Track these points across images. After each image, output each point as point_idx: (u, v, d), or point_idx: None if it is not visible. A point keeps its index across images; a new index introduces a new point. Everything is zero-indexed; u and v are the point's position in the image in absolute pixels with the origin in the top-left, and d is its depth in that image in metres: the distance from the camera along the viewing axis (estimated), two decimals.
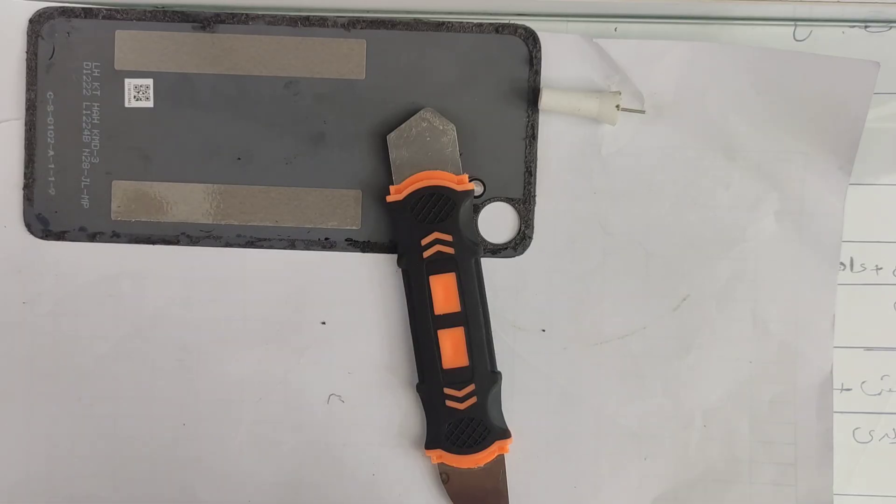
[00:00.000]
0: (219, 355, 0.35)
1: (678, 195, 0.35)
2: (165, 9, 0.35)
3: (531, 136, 0.35)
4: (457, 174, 0.34)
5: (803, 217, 0.35)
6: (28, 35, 0.35)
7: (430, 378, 0.34)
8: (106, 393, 0.35)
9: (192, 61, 0.35)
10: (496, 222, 0.35)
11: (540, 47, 0.35)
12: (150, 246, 0.35)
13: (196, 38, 0.35)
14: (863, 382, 0.36)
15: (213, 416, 0.35)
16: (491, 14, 0.35)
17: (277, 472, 0.35)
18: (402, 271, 0.35)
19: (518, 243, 0.35)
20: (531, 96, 0.35)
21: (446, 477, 0.35)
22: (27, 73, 0.35)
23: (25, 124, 0.35)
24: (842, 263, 0.36)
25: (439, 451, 0.34)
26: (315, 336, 0.35)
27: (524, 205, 0.35)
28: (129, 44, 0.35)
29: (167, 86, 0.35)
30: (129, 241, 0.35)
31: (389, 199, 0.34)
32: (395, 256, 0.35)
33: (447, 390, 0.34)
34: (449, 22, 0.35)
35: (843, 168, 0.35)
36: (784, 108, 0.35)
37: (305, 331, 0.35)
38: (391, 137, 0.34)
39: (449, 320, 0.34)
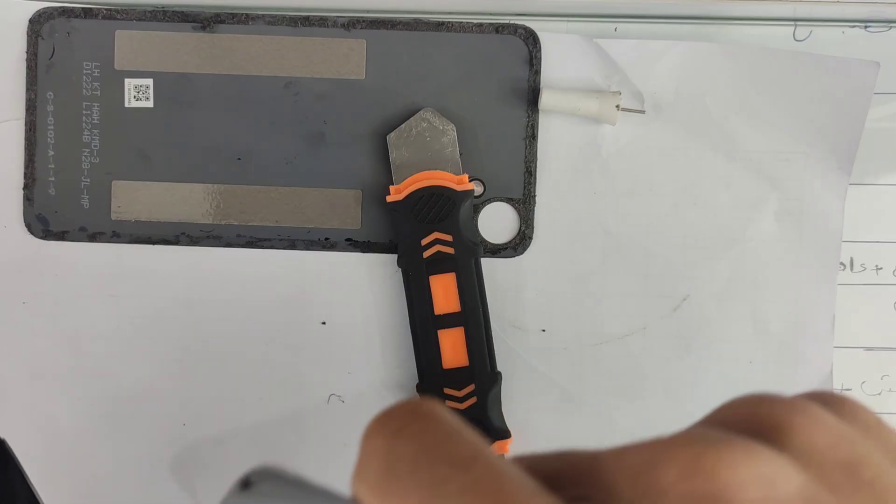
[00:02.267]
0: (219, 355, 0.35)
1: (678, 195, 0.35)
2: (165, 9, 0.35)
3: (531, 136, 0.35)
4: (457, 174, 0.34)
5: (803, 217, 0.35)
6: (28, 35, 0.35)
7: (430, 378, 0.34)
8: (106, 393, 0.35)
9: (192, 61, 0.35)
10: (496, 222, 0.35)
11: (540, 47, 0.35)
12: (150, 246, 0.35)
13: (196, 38, 0.35)
14: (863, 382, 0.36)
15: (213, 416, 0.35)
16: (491, 14, 0.35)
17: None
18: (402, 271, 0.35)
19: (518, 243, 0.35)
20: (531, 96, 0.35)
21: None
22: (27, 73, 0.35)
23: (25, 124, 0.35)
24: (842, 263, 0.36)
25: None
26: (315, 336, 0.35)
27: (524, 205, 0.35)
28: (129, 44, 0.35)
29: (167, 86, 0.35)
30: (129, 241, 0.35)
31: (389, 199, 0.34)
32: (395, 256, 0.35)
33: (447, 390, 0.34)
34: (449, 22, 0.35)
35: (843, 168, 0.35)
36: (784, 108, 0.35)
37: (305, 331, 0.35)
38: (391, 137, 0.34)
39: (449, 320, 0.34)
